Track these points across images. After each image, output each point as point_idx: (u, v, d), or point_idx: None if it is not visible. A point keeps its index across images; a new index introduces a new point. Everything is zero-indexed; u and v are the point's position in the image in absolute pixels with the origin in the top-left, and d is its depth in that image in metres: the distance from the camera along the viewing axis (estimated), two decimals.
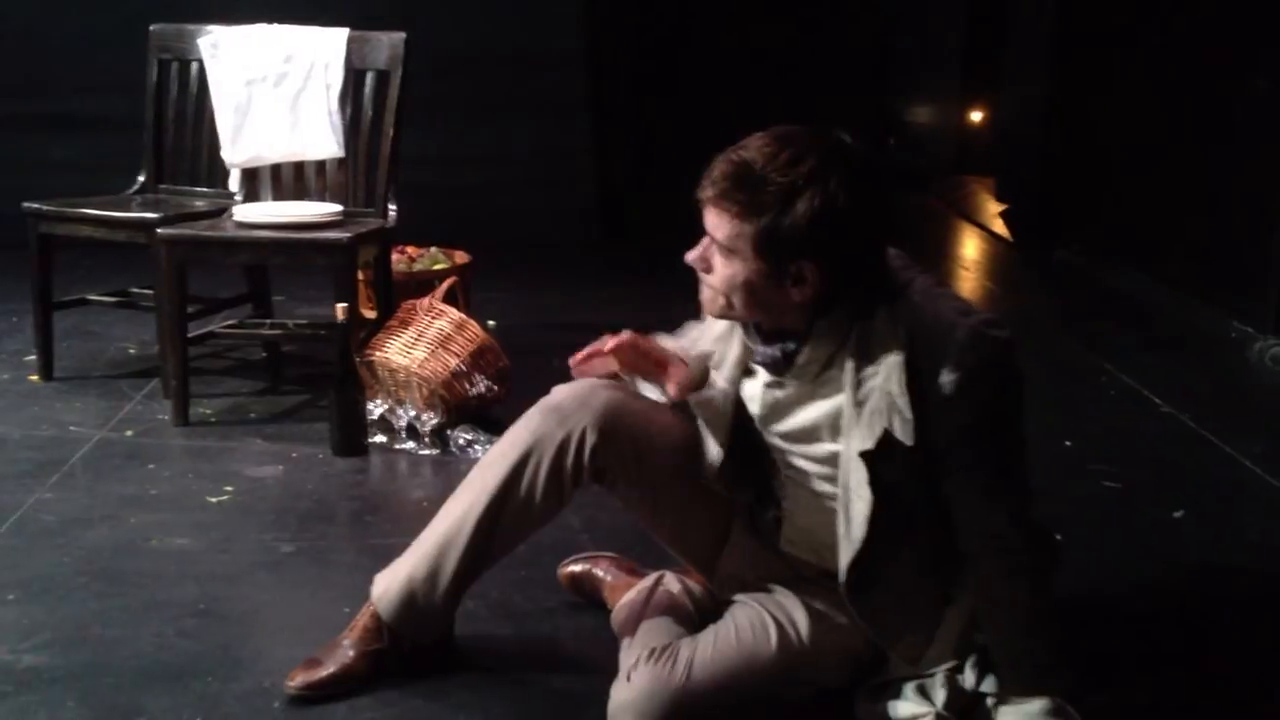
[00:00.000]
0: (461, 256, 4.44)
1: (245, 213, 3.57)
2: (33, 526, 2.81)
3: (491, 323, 4.25)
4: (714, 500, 2.16)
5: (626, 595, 2.22)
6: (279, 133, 3.79)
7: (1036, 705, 1.88)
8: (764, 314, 1.89)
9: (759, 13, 6.82)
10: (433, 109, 4.70)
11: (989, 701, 1.94)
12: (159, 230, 3.47)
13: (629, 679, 1.94)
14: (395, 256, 4.11)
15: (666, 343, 2.13)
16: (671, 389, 2.06)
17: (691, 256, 1.87)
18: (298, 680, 2.11)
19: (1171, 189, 5.07)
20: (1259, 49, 4.36)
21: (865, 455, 1.84)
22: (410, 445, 3.33)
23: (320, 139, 3.76)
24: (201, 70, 3.88)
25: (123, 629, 2.36)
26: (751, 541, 2.15)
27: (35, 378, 3.87)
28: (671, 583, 2.22)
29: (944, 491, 1.88)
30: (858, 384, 1.84)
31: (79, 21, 5.80)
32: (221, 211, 3.70)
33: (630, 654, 2.00)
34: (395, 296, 3.79)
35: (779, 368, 1.92)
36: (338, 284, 3.39)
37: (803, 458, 1.97)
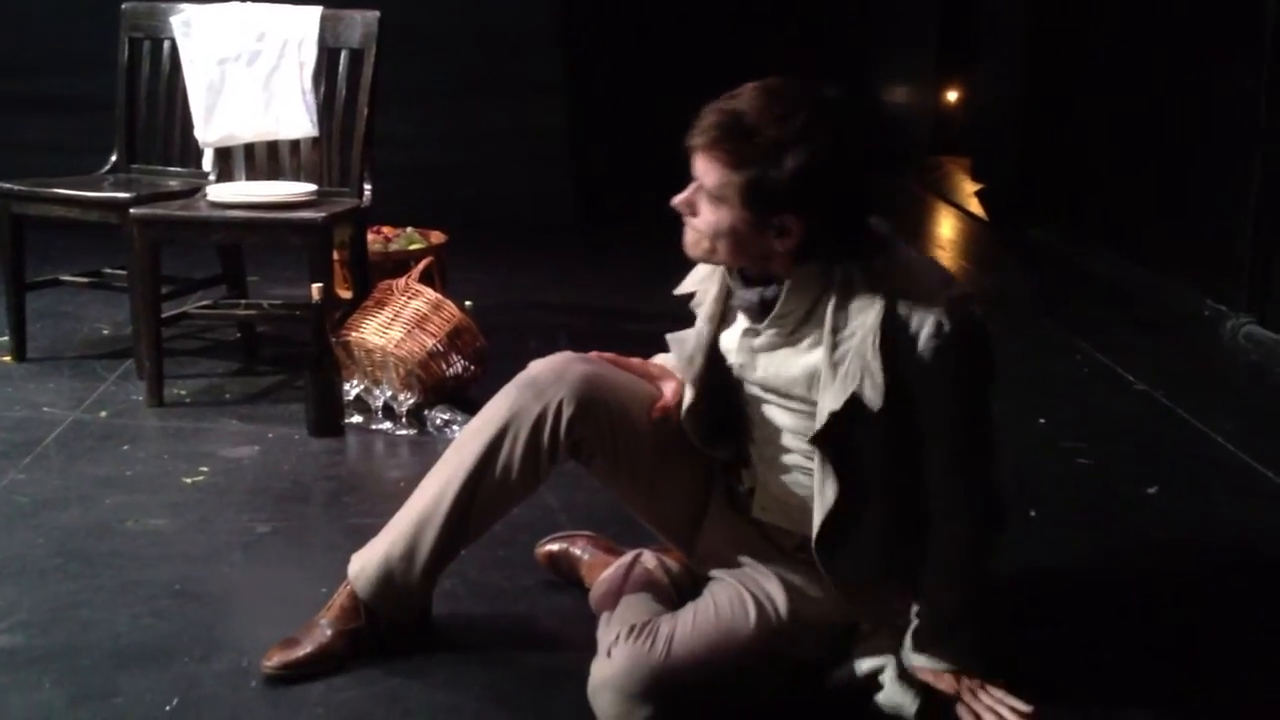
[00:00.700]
0: (437, 236, 4.43)
1: (219, 192, 3.55)
2: (6, 508, 2.80)
3: (468, 303, 4.24)
4: (692, 474, 2.17)
5: (604, 573, 2.23)
6: (252, 112, 3.77)
7: (944, 649, 2.00)
8: (747, 260, 1.93)
9: None
10: (408, 88, 4.68)
11: (906, 642, 2.03)
12: (132, 210, 3.45)
13: (609, 655, 1.95)
14: (371, 236, 4.10)
15: (662, 360, 2.20)
16: (669, 394, 2.11)
17: (678, 200, 1.92)
18: (275, 660, 2.10)
19: (1146, 168, 5.09)
20: (1234, 31, 4.38)
21: (834, 415, 1.86)
22: (387, 425, 3.32)
23: (294, 118, 3.74)
24: (174, 49, 3.85)
25: (98, 610, 2.35)
26: (729, 516, 2.16)
27: (8, 359, 3.84)
28: (649, 560, 2.23)
29: (912, 455, 1.92)
30: (834, 345, 1.87)
31: (50, 0, 5.74)
32: (195, 191, 3.67)
33: (610, 630, 2.01)
34: (371, 277, 3.78)
35: (757, 314, 1.95)
36: (313, 264, 3.38)
37: (779, 409, 1.99)
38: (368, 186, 3.71)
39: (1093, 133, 5.62)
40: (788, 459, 2.02)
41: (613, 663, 1.93)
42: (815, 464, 1.93)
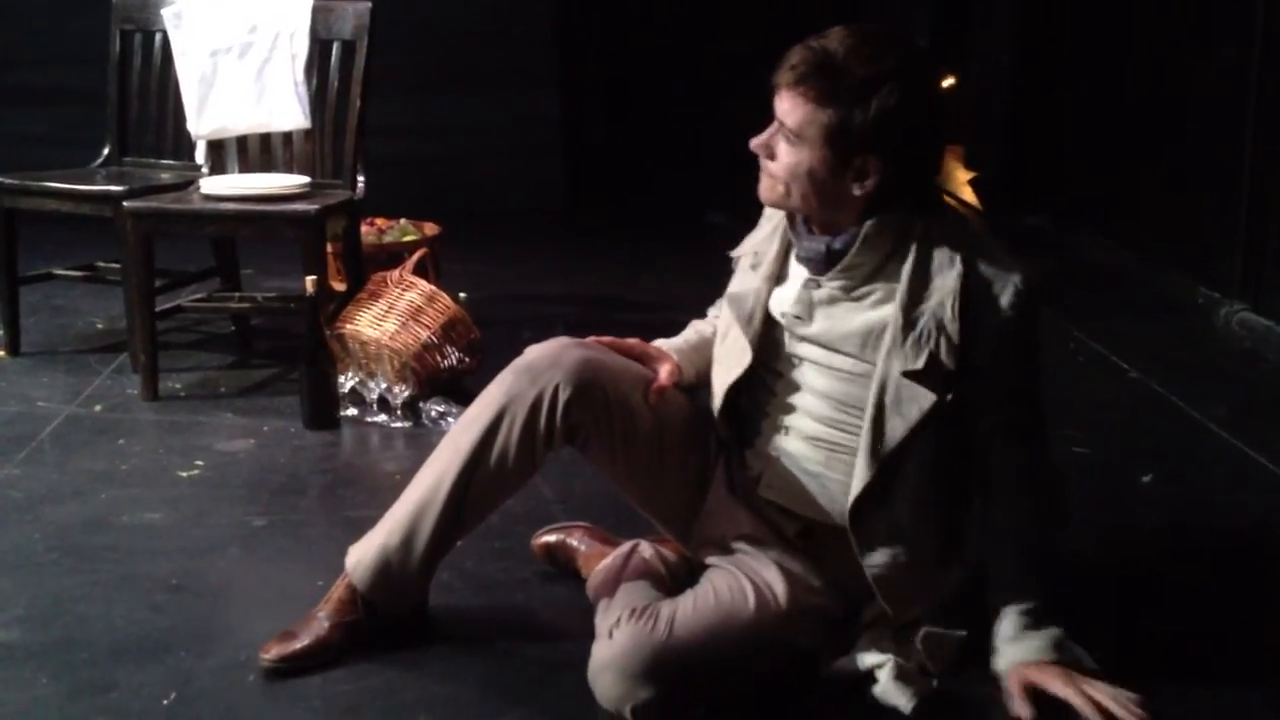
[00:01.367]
0: (431, 228, 4.41)
1: (212, 185, 3.54)
2: (2, 503, 2.79)
3: (463, 294, 4.24)
4: (691, 460, 2.16)
5: (602, 563, 2.23)
6: (245, 104, 3.76)
7: (1041, 638, 1.93)
8: (821, 205, 1.93)
9: None
10: (400, 79, 4.67)
11: (997, 638, 1.96)
12: (125, 203, 3.45)
13: (610, 636, 1.94)
14: (364, 228, 4.09)
15: (661, 344, 2.20)
16: (664, 375, 2.10)
17: (757, 142, 1.92)
18: (273, 653, 2.10)
19: (1139, 156, 5.09)
20: (1225, 16, 4.38)
21: (910, 374, 1.87)
22: (382, 418, 3.32)
23: (286, 110, 3.73)
24: (165, 41, 3.84)
25: (95, 605, 2.34)
26: (729, 502, 2.15)
27: (2, 353, 3.83)
28: (646, 550, 2.23)
29: (972, 428, 1.93)
30: (910, 305, 1.87)
31: None
32: (188, 184, 3.67)
33: (609, 615, 2.00)
34: (365, 269, 3.77)
35: (821, 265, 1.95)
36: (306, 256, 3.37)
37: (819, 371, 1.99)
38: (361, 178, 3.70)
39: (1085, 120, 5.62)
40: (810, 427, 2.01)
41: (614, 643, 1.92)
42: (865, 423, 1.91)
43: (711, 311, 2.31)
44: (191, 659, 2.15)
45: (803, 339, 2.01)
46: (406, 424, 3.29)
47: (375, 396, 3.34)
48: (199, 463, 3.04)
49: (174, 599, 2.37)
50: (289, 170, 3.73)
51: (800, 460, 2.04)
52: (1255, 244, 4.16)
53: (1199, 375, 3.74)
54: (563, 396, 2.03)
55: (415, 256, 3.66)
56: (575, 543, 2.42)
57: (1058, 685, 1.90)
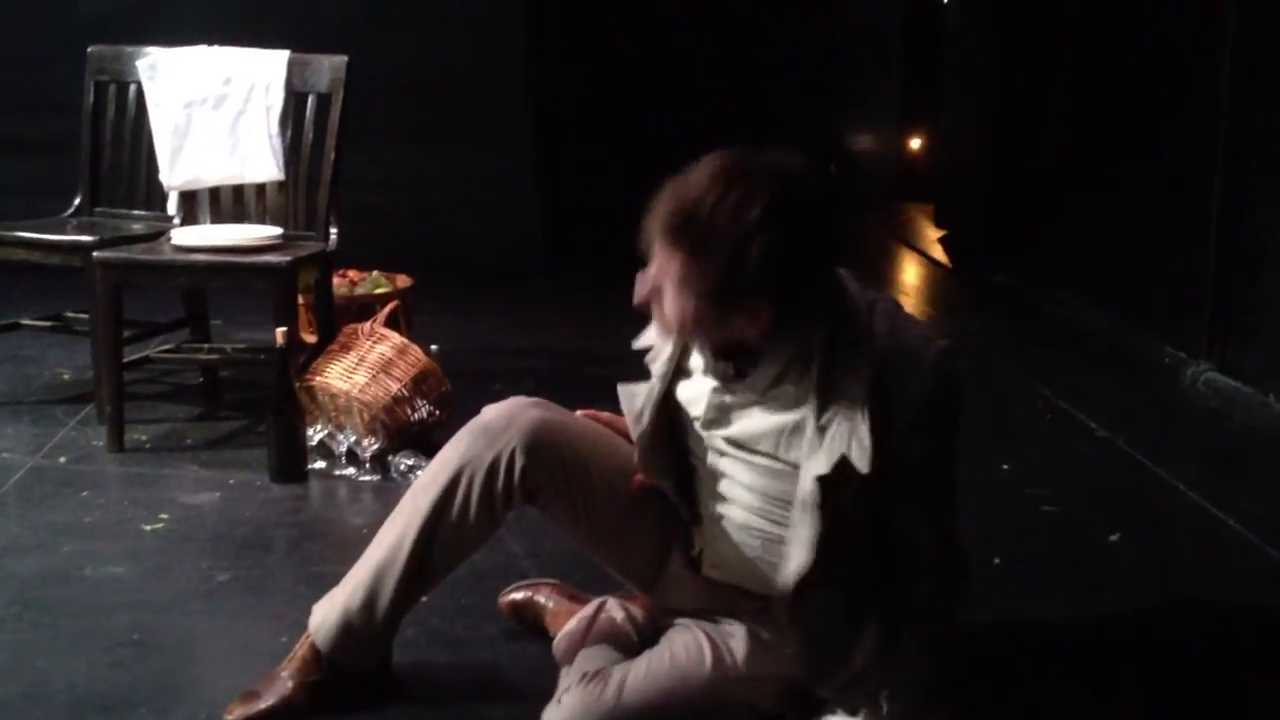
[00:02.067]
0: (403, 280, 4.41)
1: (183, 236, 3.53)
2: None
3: (434, 347, 4.23)
4: (653, 523, 2.15)
5: (568, 624, 2.20)
6: (218, 155, 3.76)
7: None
8: (718, 341, 1.90)
9: (703, 39, 6.86)
10: (375, 132, 4.67)
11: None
12: (95, 253, 3.43)
13: (559, 701, 1.93)
14: (336, 280, 4.08)
15: None
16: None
17: (640, 297, 1.86)
18: (235, 714, 2.07)
19: (1107, 215, 5.15)
20: (1192, 80, 4.45)
21: (821, 480, 1.84)
22: (350, 471, 3.30)
23: (260, 161, 3.73)
24: (140, 92, 3.85)
25: (56, 660, 2.31)
26: (687, 574, 2.13)
27: None
28: (614, 610, 2.21)
29: (884, 508, 1.89)
30: (821, 408, 1.84)
31: (15, 41, 5.73)
32: (159, 234, 3.65)
33: (565, 680, 1.99)
34: (336, 320, 3.76)
35: (730, 380, 1.93)
36: (277, 308, 3.36)
37: (742, 463, 1.96)
38: (334, 230, 3.70)
39: (1055, 179, 5.69)
40: (741, 516, 2.00)
41: (562, 708, 1.91)
42: (792, 517, 1.89)
43: None
44: (153, 716, 2.12)
45: (721, 438, 1.99)
46: (375, 477, 3.27)
47: (344, 449, 3.32)
48: (164, 516, 3.01)
49: (136, 654, 2.34)
50: (262, 221, 3.73)
51: (737, 544, 2.02)
52: (1221, 305, 4.21)
53: (1167, 435, 3.76)
54: (519, 462, 2.03)
55: (387, 309, 3.66)
56: (543, 600, 2.41)
57: None
